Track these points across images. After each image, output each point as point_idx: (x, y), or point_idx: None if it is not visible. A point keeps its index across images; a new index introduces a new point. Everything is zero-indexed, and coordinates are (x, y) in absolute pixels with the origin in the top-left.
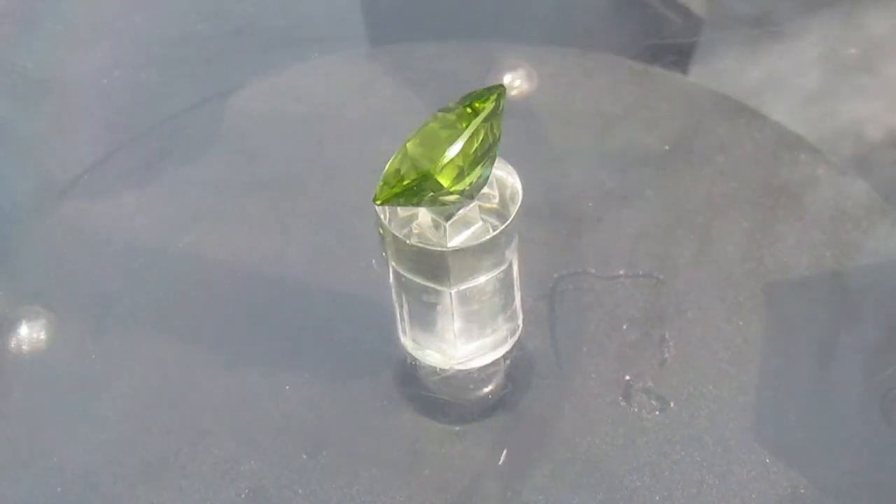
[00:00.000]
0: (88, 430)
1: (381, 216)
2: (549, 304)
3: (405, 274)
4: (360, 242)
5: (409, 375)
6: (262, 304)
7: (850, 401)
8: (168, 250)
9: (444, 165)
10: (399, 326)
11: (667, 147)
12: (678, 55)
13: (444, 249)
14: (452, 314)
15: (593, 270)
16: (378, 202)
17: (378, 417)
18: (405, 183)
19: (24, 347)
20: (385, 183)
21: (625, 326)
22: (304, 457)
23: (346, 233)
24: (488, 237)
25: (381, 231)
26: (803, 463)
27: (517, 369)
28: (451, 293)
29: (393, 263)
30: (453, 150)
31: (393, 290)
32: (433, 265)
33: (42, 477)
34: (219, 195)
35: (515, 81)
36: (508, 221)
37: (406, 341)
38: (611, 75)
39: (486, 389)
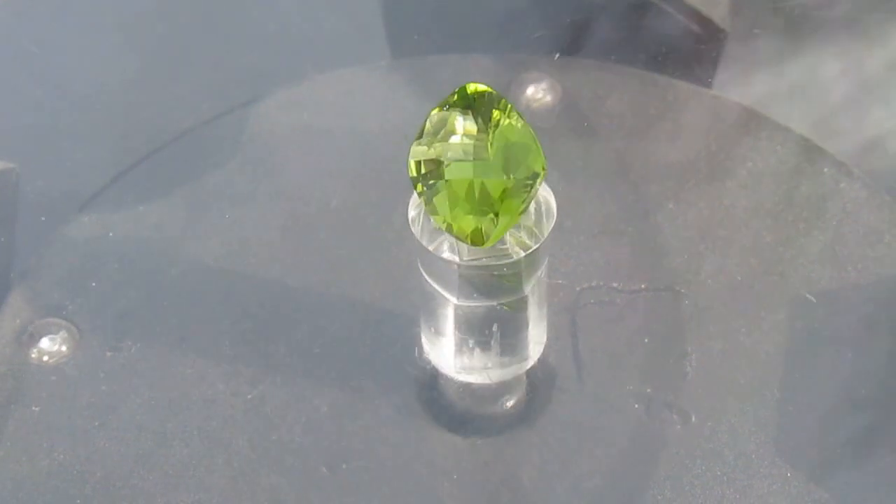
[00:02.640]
0: (108, 443)
1: (412, 226)
2: (571, 317)
3: (425, 276)
4: (381, 255)
5: (430, 388)
6: (282, 317)
7: (873, 416)
8: (188, 263)
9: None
10: (422, 335)
11: (689, 160)
12: (701, 67)
13: (456, 262)
14: (453, 327)
15: (615, 284)
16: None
17: (398, 431)
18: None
19: (46, 359)
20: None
21: (646, 340)
22: (324, 470)
23: (367, 245)
24: (513, 259)
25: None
26: (825, 478)
27: (539, 382)
28: (454, 305)
29: (421, 269)
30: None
31: (438, 325)
32: (446, 275)
33: (62, 489)
34: (240, 207)
35: (538, 93)
36: (539, 244)
37: (424, 342)
38: (634, 87)
39: (508, 403)
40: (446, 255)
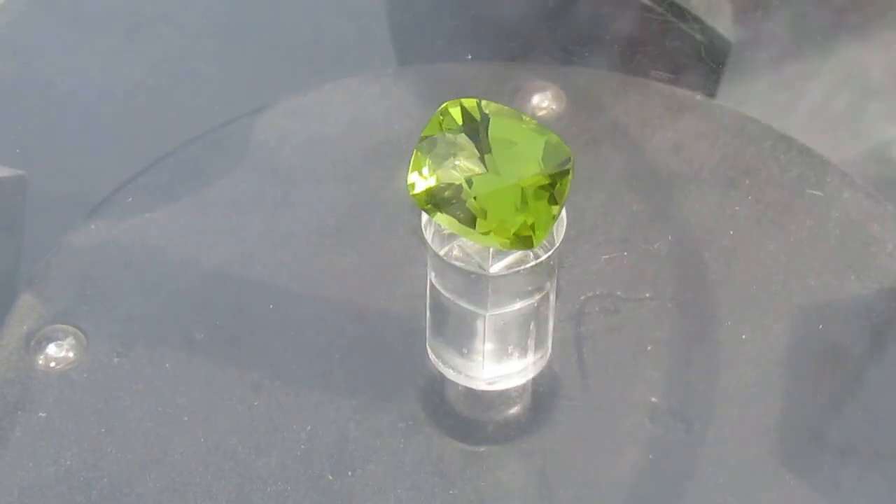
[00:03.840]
0: (114, 449)
1: (425, 233)
2: (575, 325)
3: (444, 293)
4: (388, 262)
5: (435, 396)
6: (289, 324)
7: (875, 423)
8: (195, 270)
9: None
10: (428, 343)
11: (693, 169)
12: (705, 77)
13: (485, 273)
14: (484, 337)
15: (620, 293)
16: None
17: (403, 438)
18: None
19: (53, 365)
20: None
21: (650, 348)
22: (330, 477)
23: (374, 252)
24: (531, 264)
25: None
26: (828, 486)
27: (543, 391)
28: (485, 316)
29: (432, 279)
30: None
31: (428, 307)
32: (472, 286)
33: (68, 495)
34: (247, 214)
35: (543, 102)
36: (553, 249)
37: (434, 358)
38: (638, 97)
39: (512, 411)
40: (471, 267)
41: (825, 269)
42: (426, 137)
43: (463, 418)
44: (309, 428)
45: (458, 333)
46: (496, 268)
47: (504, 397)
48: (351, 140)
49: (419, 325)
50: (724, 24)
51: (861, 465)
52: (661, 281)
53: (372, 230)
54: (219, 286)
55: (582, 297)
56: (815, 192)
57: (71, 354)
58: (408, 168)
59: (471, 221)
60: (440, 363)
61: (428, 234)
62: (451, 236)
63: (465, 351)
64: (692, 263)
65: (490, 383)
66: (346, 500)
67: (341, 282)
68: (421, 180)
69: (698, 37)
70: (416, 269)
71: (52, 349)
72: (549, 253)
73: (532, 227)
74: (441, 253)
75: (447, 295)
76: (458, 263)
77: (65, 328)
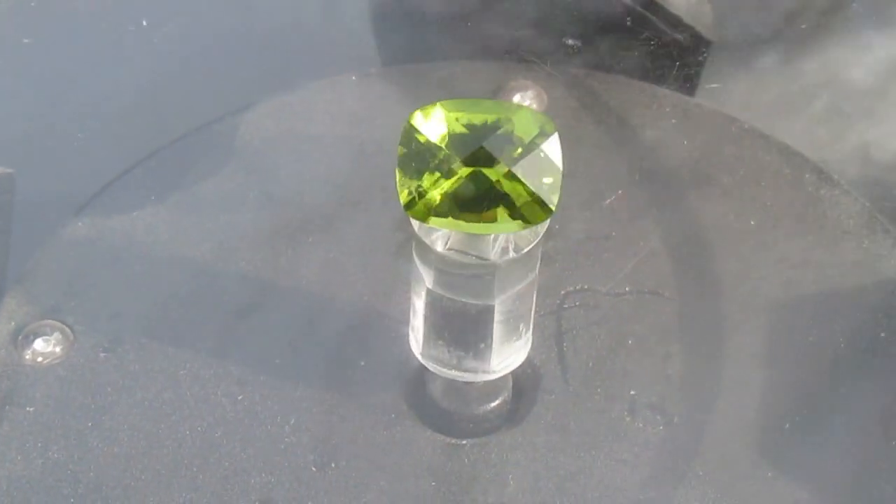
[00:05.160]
0: (101, 443)
1: (416, 229)
2: (556, 320)
3: (446, 293)
4: (370, 258)
5: (418, 389)
6: (272, 320)
7: (852, 417)
8: (181, 267)
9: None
10: (415, 343)
11: (673, 167)
12: (685, 76)
13: (492, 261)
14: (493, 327)
15: (600, 287)
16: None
17: (386, 430)
18: None
19: (40, 360)
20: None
21: (630, 342)
22: (314, 469)
23: (357, 249)
24: (534, 244)
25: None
26: (805, 478)
27: (524, 384)
28: (494, 306)
29: (430, 286)
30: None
31: (415, 306)
32: (476, 280)
33: (55, 488)
34: (231, 212)
35: (525, 101)
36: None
37: (434, 366)
38: (619, 96)
39: (494, 404)
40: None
41: (802, 265)
42: (403, 154)
43: (445, 411)
44: (293, 421)
45: (464, 331)
46: (497, 253)
47: (486, 391)
48: (335, 139)
49: (402, 319)
50: (704, 24)
51: (840, 458)
52: (641, 276)
53: (356, 228)
54: (204, 283)
55: (562, 292)
56: (792, 189)
57: (58, 350)
58: (393, 173)
59: (476, 217)
60: (440, 367)
61: (428, 240)
62: (444, 237)
63: (472, 346)
64: (672, 259)
65: (497, 371)
66: (330, 492)
67: (325, 278)
68: (415, 196)
69: (678, 36)
70: (399, 266)
71: (39, 344)
72: (501, 260)
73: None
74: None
75: (450, 296)
76: (464, 260)
77: (52, 324)
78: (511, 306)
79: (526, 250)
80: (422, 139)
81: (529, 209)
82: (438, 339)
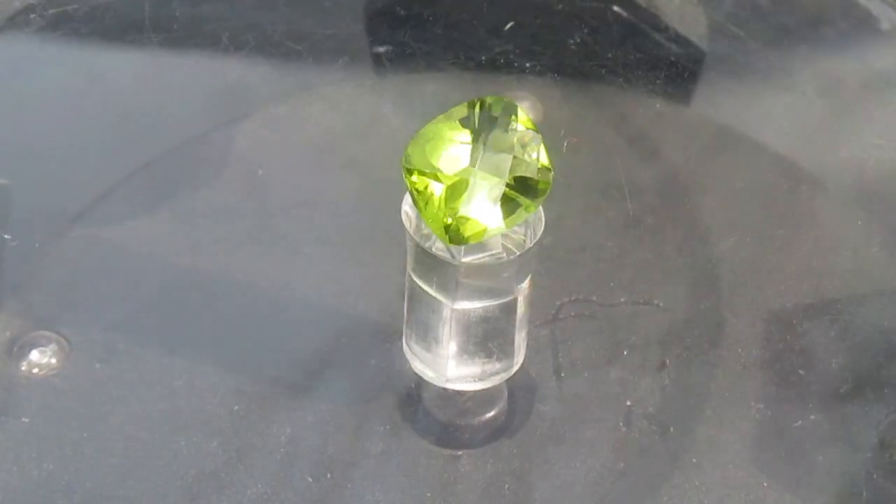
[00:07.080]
0: (97, 454)
1: (406, 222)
2: (551, 330)
3: (418, 281)
4: (366, 269)
5: (413, 400)
6: (268, 330)
7: (846, 427)
8: (178, 277)
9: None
10: (404, 338)
11: (668, 176)
12: (680, 86)
13: (455, 262)
14: (450, 331)
15: (595, 298)
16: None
17: (382, 441)
18: None
19: (35, 371)
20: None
21: (625, 353)
22: (309, 479)
23: (352, 260)
24: (502, 260)
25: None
26: (800, 488)
27: (519, 394)
28: (452, 308)
29: (409, 270)
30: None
31: (405, 300)
32: (442, 275)
33: (51, 499)
34: (227, 223)
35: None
36: (526, 249)
37: (408, 352)
38: (613, 106)
39: (489, 414)
40: (443, 253)
41: (798, 274)
42: (418, 200)
43: (440, 422)
44: (289, 431)
45: (427, 325)
46: (466, 258)
47: (481, 401)
48: (329, 149)
49: (397, 330)
50: (698, 34)
51: (835, 468)
52: (635, 286)
53: (351, 238)
54: (200, 293)
55: (557, 303)
56: (787, 199)
57: (54, 361)
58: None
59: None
60: (409, 353)
61: (407, 222)
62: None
63: (432, 345)
64: (667, 269)
65: (452, 382)
66: (325, 502)
67: (320, 288)
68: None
69: (672, 46)
70: (395, 276)
71: (34, 355)
72: (522, 252)
73: (456, 223)
74: (419, 240)
75: (419, 282)
76: (434, 251)
77: (48, 335)
78: (525, 294)
79: (482, 255)
80: (422, 185)
81: (536, 179)
82: (464, 354)
